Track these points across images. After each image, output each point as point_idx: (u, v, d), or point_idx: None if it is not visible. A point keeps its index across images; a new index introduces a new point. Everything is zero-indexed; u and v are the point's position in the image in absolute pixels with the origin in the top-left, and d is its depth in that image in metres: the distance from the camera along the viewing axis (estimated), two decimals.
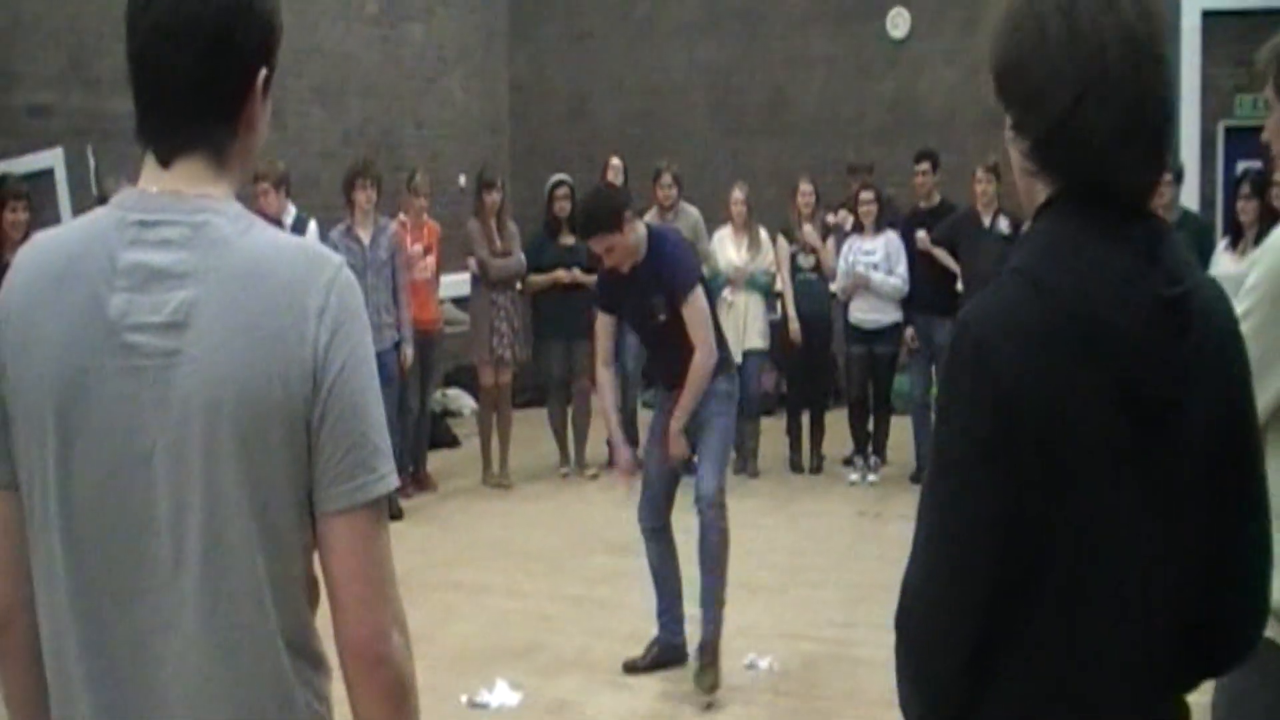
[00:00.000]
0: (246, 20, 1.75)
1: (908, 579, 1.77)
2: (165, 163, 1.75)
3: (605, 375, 6.32)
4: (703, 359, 5.65)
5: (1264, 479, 1.87)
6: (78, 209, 8.22)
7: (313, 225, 9.05)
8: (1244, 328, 2.26)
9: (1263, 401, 2.40)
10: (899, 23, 13.10)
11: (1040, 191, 1.80)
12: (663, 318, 5.71)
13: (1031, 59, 1.75)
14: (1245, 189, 7.96)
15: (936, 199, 9.92)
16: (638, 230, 5.71)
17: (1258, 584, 1.87)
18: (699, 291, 5.69)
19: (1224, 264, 7.79)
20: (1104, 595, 1.72)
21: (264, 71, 1.80)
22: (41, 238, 1.81)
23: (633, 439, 10.36)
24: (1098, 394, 1.68)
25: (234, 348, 1.67)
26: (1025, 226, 5.89)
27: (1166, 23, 1.78)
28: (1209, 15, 11.19)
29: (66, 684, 1.75)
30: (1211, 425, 1.77)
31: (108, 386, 1.68)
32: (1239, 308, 2.44)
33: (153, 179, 1.76)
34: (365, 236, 8.79)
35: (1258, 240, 7.63)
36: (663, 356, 5.98)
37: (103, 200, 7.23)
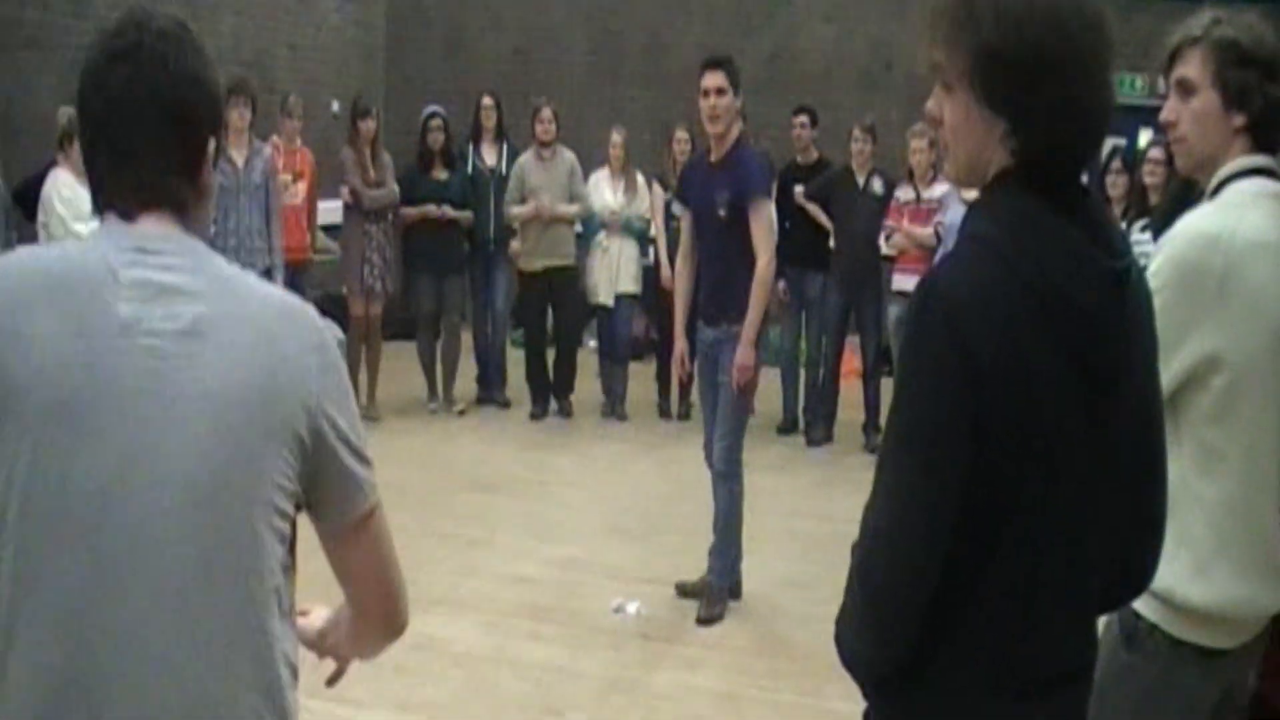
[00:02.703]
0: (199, 93, 1.86)
1: (874, 527, 1.85)
2: (130, 218, 1.83)
3: (682, 267, 6.41)
4: (764, 267, 5.85)
5: (1165, 438, 2.02)
6: None
7: None
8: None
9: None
10: None
11: (992, 163, 1.85)
12: (722, 213, 5.90)
13: (1010, 39, 1.79)
14: (1116, 164, 8.18)
15: (814, 155, 10.00)
16: (738, 119, 6.04)
17: (1160, 530, 2.05)
18: (769, 203, 6.04)
19: None
20: (1056, 547, 1.84)
21: (213, 141, 1.90)
22: (21, 251, 1.91)
23: (501, 377, 10.39)
24: (1059, 364, 1.78)
25: (247, 359, 1.79)
26: (923, 194, 5.91)
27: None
28: None
29: (20, 659, 1.72)
30: (1142, 390, 1.93)
31: (120, 382, 1.73)
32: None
33: (121, 229, 1.83)
34: (239, 158, 8.58)
35: (1124, 215, 7.87)
36: (714, 269, 6.09)
37: None
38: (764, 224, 5.90)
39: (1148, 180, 7.65)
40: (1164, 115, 2.70)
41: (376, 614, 2.06)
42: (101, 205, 1.86)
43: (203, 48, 1.90)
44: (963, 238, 1.85)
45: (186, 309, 1.77)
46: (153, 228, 1.83)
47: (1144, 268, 1.97)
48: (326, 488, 1.89)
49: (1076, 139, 1.82)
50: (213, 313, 1.79)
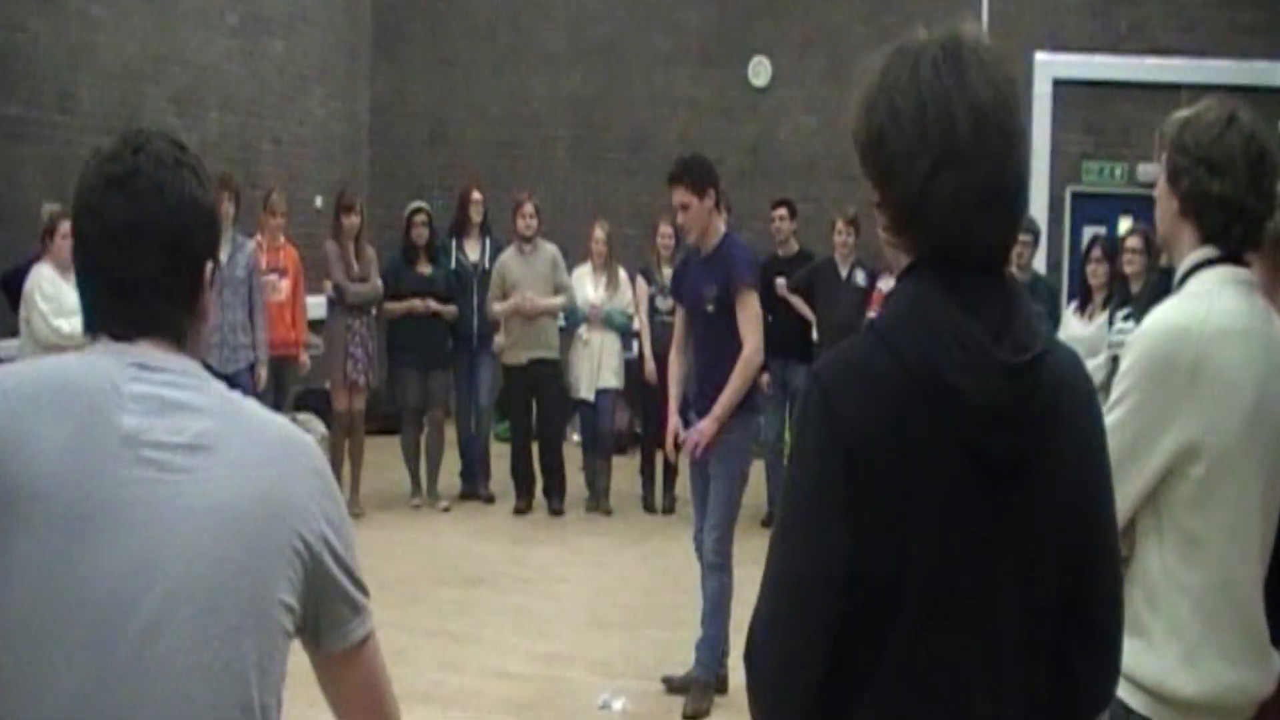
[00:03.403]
0: (196, 219, 1.84)
1: (755, 616, 1.84)
2: (126, 340, 1.81)
3: (675, 357, 6.47)
4: (749, 353, 5.88)
5: (1116, 539, 1.97)
6: None
7: None
8: (1110, 418, 2.36)
9: (1135, 487, 2.51)
10: (760, 71, 13.29)
11: (903, 258, 1.87)
12: (711, 308, 5.98)
13: (885, 135, 1.82)
14: (1096, 253, 8.20)
15: (795, 247, 10.06)
16: (717, 216, 6.08)
17: (1110, 641, 1.95)
18: (754, 294, 6.03)
19: (1073, 326, 8.03)
20: (952, 644, 1.79)
21: (210, 264, 1.89)
22: (20, 363, 1.91)
23: (485, 471, 10.35)
24: (942, 452, 1.76)
25: (255, 476, 1.78)
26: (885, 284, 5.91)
27: (1018, 94, 1.86)
28: (1059, 83, 11.58)
29: None
30: (1064, 484, 1.85)
31: (124, 492, 1.70)
32: (1113, 393, 2.55)
33: (120, 347, 1.81)
34: (222, 254, 8.59)
35: (1105, 304, 7.90)
36: (704, 360, 6.17)
37: None
38: (749, 312, 5.94)
39: (1127, 269, 7.70)
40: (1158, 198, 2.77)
41: None
42: (96, 327, 1.84)
43: (199, 167, 1.89)
44: (863, 328, 1.88)
45: (192, 423, 1.76)
46: (152, 350, 1.81)
47: (1073, 359, 1.93)
48: (325, 610, 1.87)
49: (959, 227, 1.79)
50: (219, 429, 1.78)
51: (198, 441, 1.75)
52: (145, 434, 1.73)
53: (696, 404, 6.15)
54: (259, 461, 1.80)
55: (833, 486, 1.75)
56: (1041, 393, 1.80)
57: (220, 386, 1.85)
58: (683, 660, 6.10)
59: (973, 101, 1.77)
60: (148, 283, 1.81)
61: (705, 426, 5.88)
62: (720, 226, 6.12)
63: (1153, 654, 2.25)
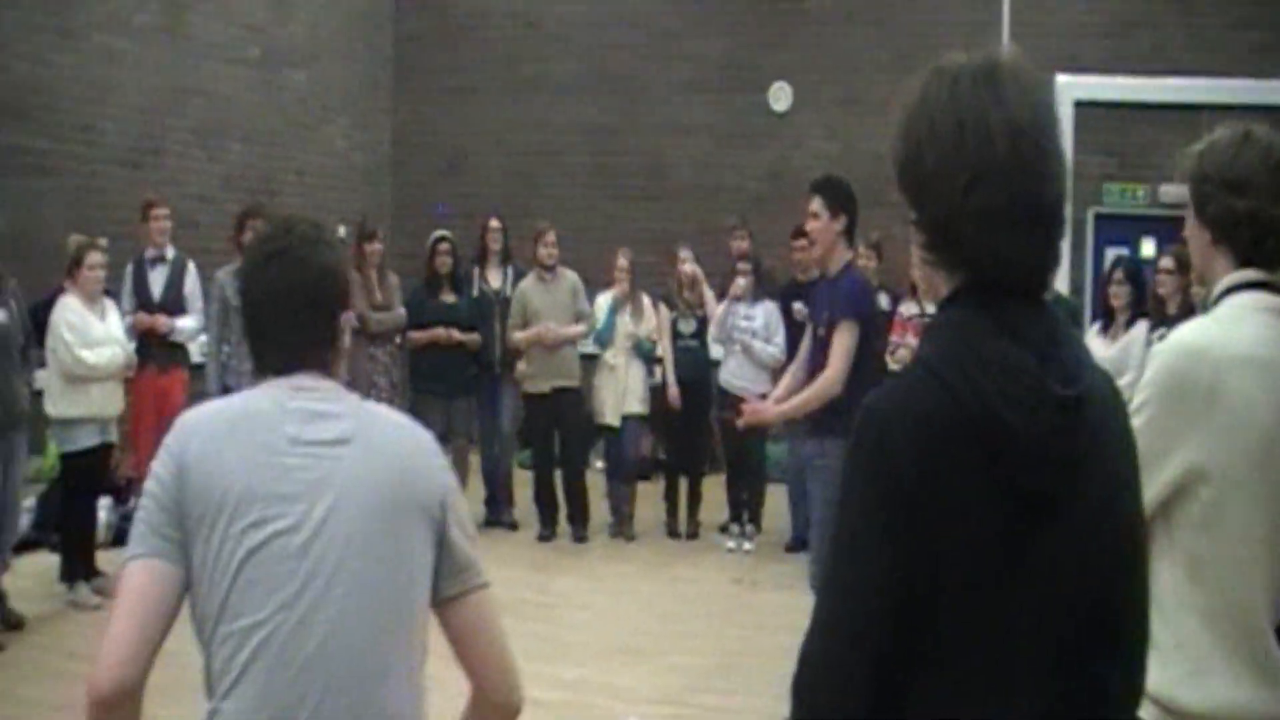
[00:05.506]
0: (331, 282, 2.46)
1: (805, 647, 1.82)
2: (285, 375, 2.40)
3: (795, 366, 6.73)
4: (828, 375, 6.07)
5: (1147, 571, 1.96)
6: None
7: (191, 266, 8.91)
8: (1135, 421, 2.35)
9: (1148, 494, 2.49)
10: (781, 96, 13.32)
11: (942, 283, 1.87)
12: (822, 331, 6.23)
13: (923, 153, 1.81)
14: (1119, 274, 8.18)
15: (815, 273, 10.01)
16: (843, 243, 6.25)
17: (1137, 657, 1.95)
18: (853, 327, 6.12)
19: (1095, 348, 7.98)
20: (990, 676, 1.78)
21: (344, 313, 2.49)
22: (207, 404, 2.48)
23: (508, 498, 10.35)
24: (993, 489, 1.74)
25: (388, 455, 2.37)
26: (927, 309, 5.91)
27: (1055, 115, 1.85)
28: (1081, 105, 11.56)
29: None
30: (1101, 519, 1.84)
31: (289, 476, 2.30)
32: (1133, 401, 2.54)
33: (281, 380, 2.40)
34: None
35: (1128, 325, 7.88)
36: (811, 377, 6.31)
37: None
38: (841, 342, 6.09)
39: (1160, 291, 7.72)
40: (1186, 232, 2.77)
41: (497, 689, 2.46)
42: (262, 368, 2.44)
43: (334, 242, 2.54)
44: (912, 359, 1.87)
45: (336, 425, 2.35)
46: (305, 378, 2.40)
47: (1114, 391, 1.92)
48: (450, 563, 2.39)
49: (994, 245, 1.79)
50: (355, 427, 2.37)
51: (341, 437, 2.34)
52: (303, 435, 2.32)
53: (804, 424, 6.38)
54: (388, 447, 2.38)
55: (883, 521, 1.75)
56: (1086, 428, 1.79)
57: (354, 398, 2.45)
58: (708, 686, 6.07)
59: (1010, 119, 1.77)
60: (296, 332, 2.42)
61: (770, 409, 6.19)
62: (844, 255, 6.28)
63: (1162, 666, 2.24)
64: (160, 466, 2.32)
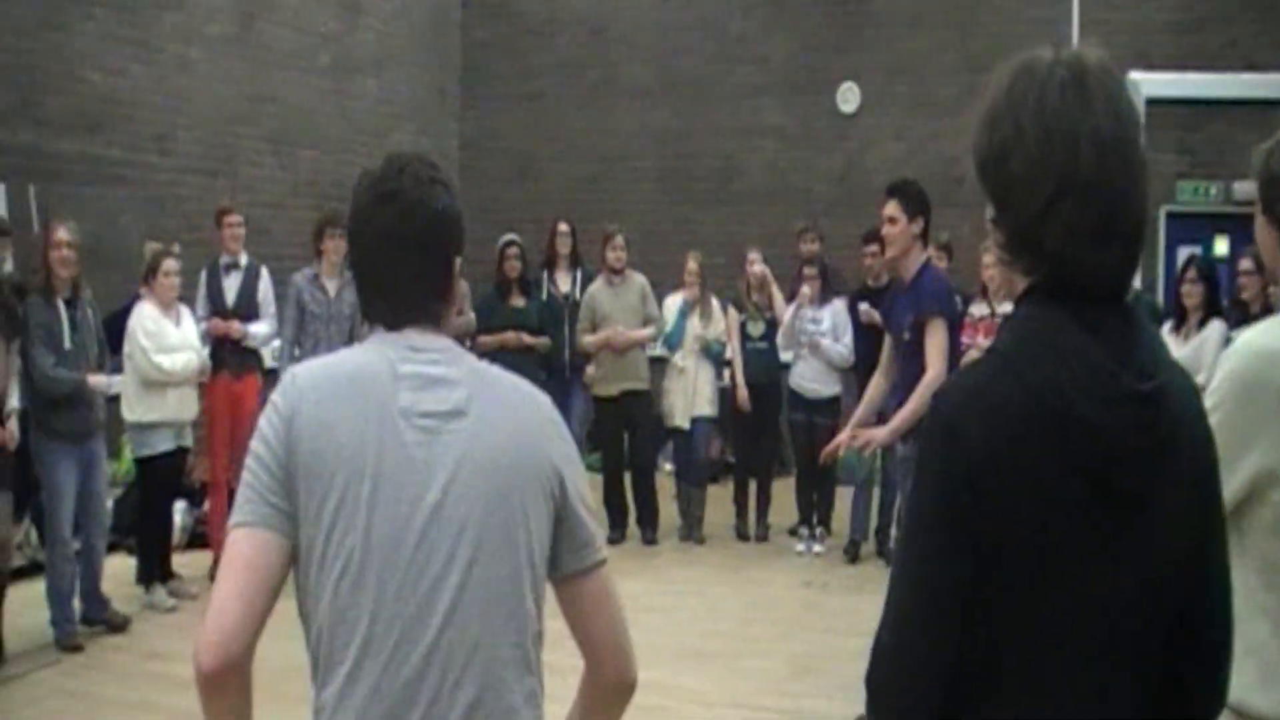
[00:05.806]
0: (448, 225, 2.28)
1: (878, 638, 1.83)
2: (395, 329, 2.26)
3: (876, 379, 6.68)
4: (931, 377, 6.01)
5: (1228, 560, 1.94)
6: (18, 247, 8.11)
7: (264, 272, 9.00)
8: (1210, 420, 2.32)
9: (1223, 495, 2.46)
10: (849, 97, 13.27)
11: (1019, 279, 1.86)
12: (907, 336, 6.20)
13: (1009, 155, 1.80)
14: (1191, 274, 8.09)
15: (885, 279, 9.96)
16: (919, 246, 6.28)
17: (1220, 659, 1.95)
18: (943, 324, 6.15)
19: (1169, 346, 7.89)
20: (1064, 665, 1.78)
21: (459, 260, 2.32)
22: (317, 360, 2.34)
23: None
24: (1067, 481, 1.74)
25: (504, 428, 2.23)
26: (998, 309, 5.86)
27: (1139, 122, 1.84)
28: (1152, 102, 11.42)
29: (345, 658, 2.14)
30: (1181, 509, 1.83)
31: (403, 453, 2.15)
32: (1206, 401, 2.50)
33: (393, 337, 2.26)
34: (332, 288, 8.75)
35: (1201, 324, 7.79)
36: (901, 385, 6.32)
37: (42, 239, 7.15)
38: (935, 340, 6.09)
39: (1243, 295, 7.62)
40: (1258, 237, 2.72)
41: (615, 667, 2.34)
42: (371, 318, 2.31)
43: (449, 183, 2.31)
44: (985, 351, 1.86)
45: (450, 394, 2.21)
46: (416, 335, 2.25)
47: (1192, 388, 1.90)
48: (568, 536, 2.27)
49: (1075, 257, 1.78)
50: (471, 394, 2.22)
51: (456, 408, 2.19)
52: (417, 406, 2.17)
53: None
54: (505, 417, 2.23)
55: (955, 512, 1.74)
56: (1164, 424, 1.78)
57: (471, 359, 2.31)
58: (778, 689, 6.06)
59: (1097, 132, 1.76)
60: (409, 280, 2.26)
61: (879, 435, 6.12)
62: (920, 258, 6.28)
63: (1234, 672, 2.21)
64: (268, 426, 2.18)
